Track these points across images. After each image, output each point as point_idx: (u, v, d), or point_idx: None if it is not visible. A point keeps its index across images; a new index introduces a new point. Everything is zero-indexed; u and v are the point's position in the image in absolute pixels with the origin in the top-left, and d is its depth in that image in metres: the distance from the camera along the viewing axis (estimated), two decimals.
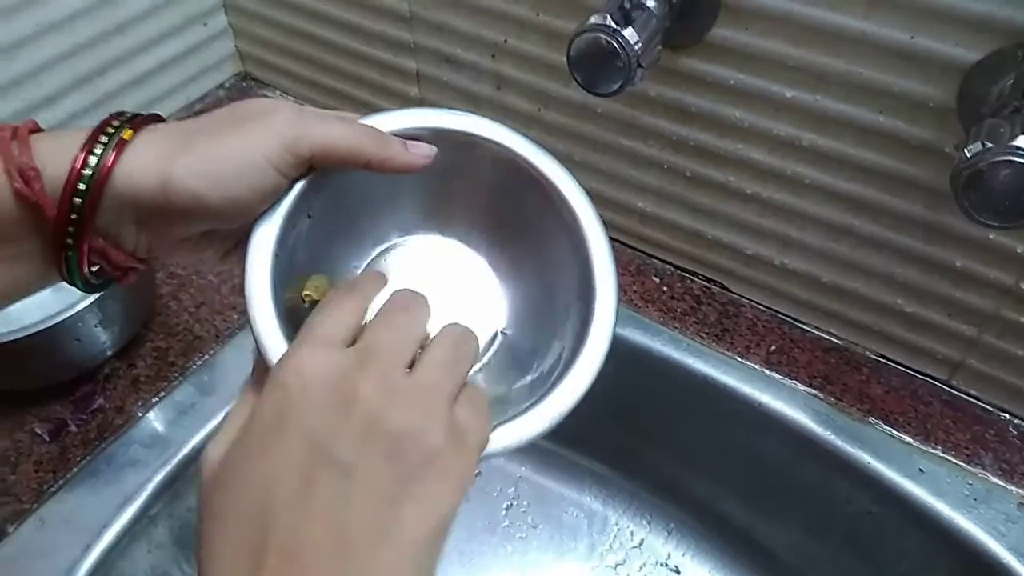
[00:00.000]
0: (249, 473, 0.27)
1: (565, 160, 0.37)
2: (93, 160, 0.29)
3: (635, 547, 0.66)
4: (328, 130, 0.32)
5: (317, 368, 0.28)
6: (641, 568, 0.65)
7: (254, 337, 0.31)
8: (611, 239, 0.36)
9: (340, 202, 0.36)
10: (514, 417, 0.32)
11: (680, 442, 0.64)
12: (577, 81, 0.47)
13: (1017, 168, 0.35)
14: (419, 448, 0.27)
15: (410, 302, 0.32)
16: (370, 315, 0.32)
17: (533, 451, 0.68)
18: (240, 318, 0.61)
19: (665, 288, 0.64)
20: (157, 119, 0.32)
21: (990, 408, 0.56)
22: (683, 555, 0.66)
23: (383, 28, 0.67)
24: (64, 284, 0.32)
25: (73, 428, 0.54)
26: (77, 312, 0.51)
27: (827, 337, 0.60)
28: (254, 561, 0.26)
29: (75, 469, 0.52)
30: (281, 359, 0.29)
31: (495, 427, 0.31)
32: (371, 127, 0.34)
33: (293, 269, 0.34)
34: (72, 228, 0.29)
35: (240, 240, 0.33)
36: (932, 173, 0.48)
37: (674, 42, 0.52)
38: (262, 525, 0.26)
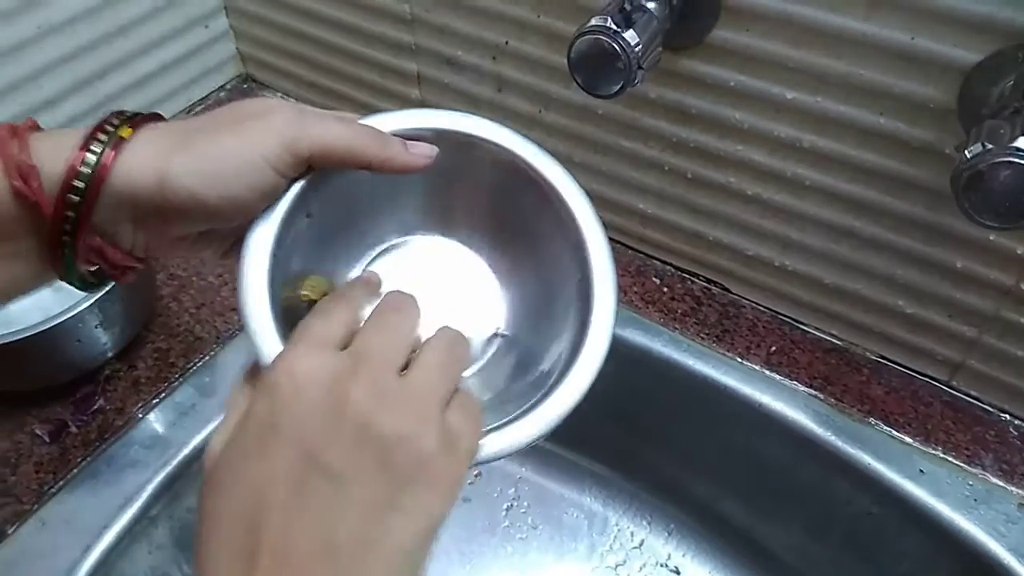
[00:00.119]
0: (243, 475, 0.27)
1: (566, 161, 0.37)
2: (91, 158, 0.29)
3: (635, 548, 0.66)
4: (327, 130, 0.32)
5: (310, 370, 0.28)
6: (641, 569, 0.65)
7: (249, 336, 0.31)
8: (612, 240, 0.36)
9: (340, 202, 0.36)
10: (509, 422, 0.32)
11: (680, 443, 0.64)
12: (578, 83, 0.47)
13: (1017, 169, 0.35)
14: (410, 454, 0.27)
15: (402, 303, 0.32)
16: (365, 317, 0.32)
17: (533, 452, 0.68)
18: (241, 319, 0.61)
19: (666, 289, 0.64)
20: (157, 118, 0.32)
21: (990, 409, 0.56)
22: (683, 556, 0.66)
23: (384, 30, 0.67)
24: (64, 285, 0.32)
25: (73, 429, 0.54)
26: (78, 313, 0.51)
27: (827, 338, 0.60)
28: (248, 562, 0.26)
29: (75, 470, 0.52)
30: (275, 359, 0.29)
31: (490, 432, 0.31)
32: (371, 127, 0.34)
33: (291, 269, 0.34)
34: (69, 226, 0.29)
35: (239, 239, 0.33)
36: (932, 174, 0.48)
37: (675, 44, 0.52)
38: (255, 526, 0.26)
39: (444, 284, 0.39)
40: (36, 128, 0.30)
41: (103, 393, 0.57)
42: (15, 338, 0.50)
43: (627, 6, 0.45)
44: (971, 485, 0.51)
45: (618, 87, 0.46)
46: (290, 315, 0.32)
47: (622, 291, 0.63)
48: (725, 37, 0.50)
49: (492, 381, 0.37)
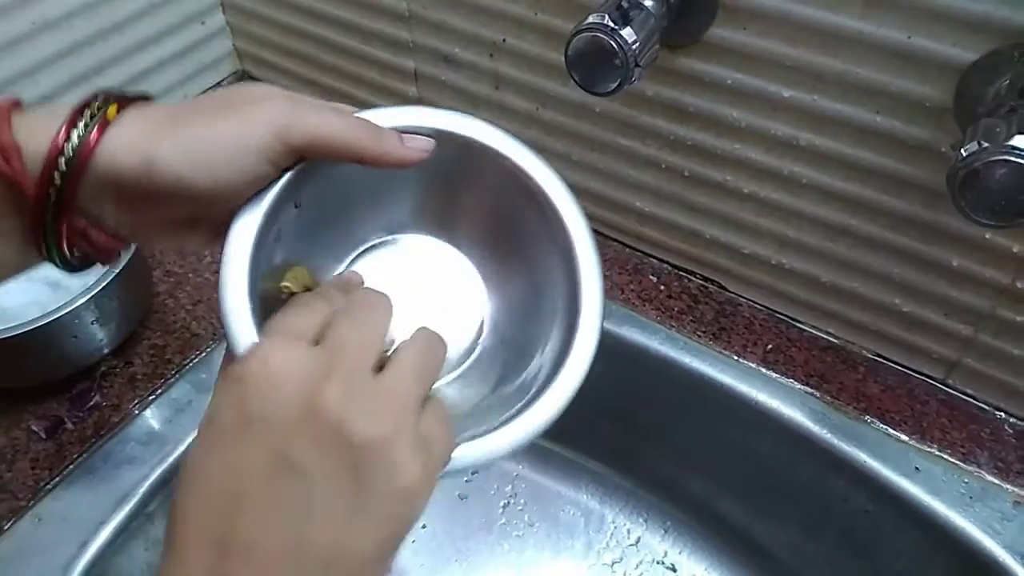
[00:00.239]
0: (218, 459, 0.27)
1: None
2: (75, 137, 0.28)
3: (632, 545, 0.66)
4: (321, 120, 0.31)
5: (284, 363, 0.28)
6: (638, 566, 0.65)
7: (224, 324, 0.30)
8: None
9: (330, 195, 0.35)
10: (489, 431, 0.31)
11: (677, 440, 0.64)
12: (575, 80, 0.47)
13: (1013, 167, 0.35)
14: (380, 459, 0.27)
15: (375, 301, 0.32)
16: None
17: (530, 449, 0.68)
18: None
19: (662, 287, 0.64)
20: (146, 99, 0.31)
21: (986, 407, 0.56)
22: (680, 553, 0.66)
23: (381, 27, 0.67)
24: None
25: (69, 425, 0.54)
26: (74, 309, 0.51)
27: (824, 336, 0.60)
28: (219, 551, 0.26)
29: (71, 466, 0.52)
30: (248, 350, 0.29)
31: (472, 439, 0.31)
32: (366, 120, 0.33)
33: (275, 259, 0.34)
34: (51, 206, 0.29)
35: (226, 226, 0.32)
36: (929, 173, 0.48)
37: (672, 41, 0.52)
38: (227, 513, 0.26)
39: (429, 285, 0.38)
40: (18, 106, 0.29)
41: (99, 389, 0.56)
42: (11, 334, 0.50)
43: (624, 4, 0.45)
44: (966, 483, 0.51)
45: (615, 85, 0.46)
46: (270, 306, 0.32)
47: (619, 289, 0.63)
48: (722, 35, 0.50)
49: (475, 386, 0.36)
